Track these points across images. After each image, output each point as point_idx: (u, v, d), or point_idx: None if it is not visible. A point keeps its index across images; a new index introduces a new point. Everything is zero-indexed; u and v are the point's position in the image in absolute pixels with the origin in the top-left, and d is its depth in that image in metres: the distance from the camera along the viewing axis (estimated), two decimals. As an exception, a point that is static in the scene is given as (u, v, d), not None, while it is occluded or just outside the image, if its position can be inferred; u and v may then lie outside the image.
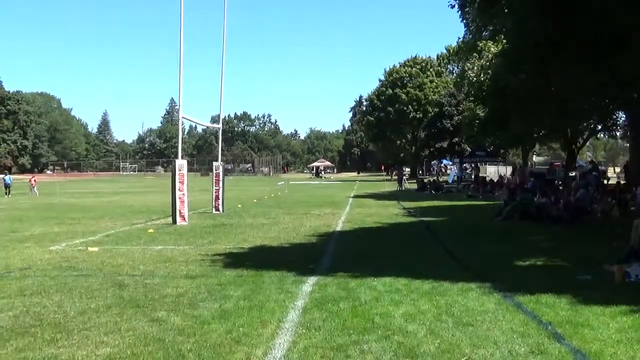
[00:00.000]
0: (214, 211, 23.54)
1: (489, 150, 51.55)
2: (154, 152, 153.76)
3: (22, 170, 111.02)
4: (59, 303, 7.95)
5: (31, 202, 33.34)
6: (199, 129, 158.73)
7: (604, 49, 15.82)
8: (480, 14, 20.61)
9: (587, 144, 60.64)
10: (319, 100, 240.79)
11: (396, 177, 52.91)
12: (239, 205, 27.34)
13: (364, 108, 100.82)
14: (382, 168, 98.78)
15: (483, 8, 17.94)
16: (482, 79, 36.38)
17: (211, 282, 9.31)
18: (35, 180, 44.55)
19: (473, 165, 55.02)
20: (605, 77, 18.25)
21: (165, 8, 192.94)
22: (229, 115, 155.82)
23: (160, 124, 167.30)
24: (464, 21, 35.54)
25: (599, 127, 41.95)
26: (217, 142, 30.30)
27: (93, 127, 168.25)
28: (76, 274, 10.17)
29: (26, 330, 6.70)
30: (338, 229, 17.70)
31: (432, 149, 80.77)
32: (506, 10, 18.03)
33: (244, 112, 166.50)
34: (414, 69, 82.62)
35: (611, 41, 15.43)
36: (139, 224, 19.38)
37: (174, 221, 18.92)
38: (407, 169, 77.33)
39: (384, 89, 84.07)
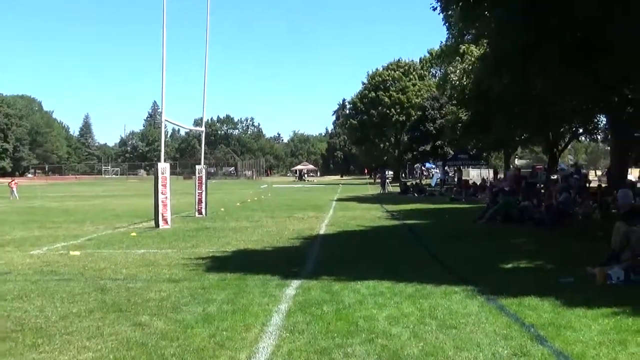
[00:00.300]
0: (197, 215, 23.46)
1: (471, 153, 51.81)
2: (137, 155, 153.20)
3: (3, 173, 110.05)
4: (40, 308, 7.88)
5: (11, 206, 33.05)
6: (182, 132, 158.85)
7: (586, 52, 15.96)
8: (462, 17, 20.67)
9: (569, 147, 61.17)
10: (302, 103, 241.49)
11: (379, 181, 53.03)
12: (222, 209, 27.27)
13: (347, 111, 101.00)
14: (366, 171, 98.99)
15: (465, 10, 17.99)
16: (465, 82, 36.53)
17: (194, 285, 9.27)
18: (15, 184, 44.11)
19: (456, 168, 55.31)
20: (587, 81, 18.40)
21: (148, 10, 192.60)
22: (212, 119, 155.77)
23: (142, 127, 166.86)
24: (447, 24, 35.72)
25: (581, 130, 42.28)
26: (200, 146, 30.23)
27: (75, 130, 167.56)
28: (58, 278, 10.08)
29: (7, 335, 6.63)
30: (322, 232, 17.69)
31: (415, 152, 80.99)
32: (488, 14, 18.11)
33: (227, 115, 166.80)
34: (396, 72, 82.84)
35: (593, 46, 15.56)
36: (121, 228, 19.26)
37: (157, 225, 18.82)
38: (390, 172, 77.51)
39: (366, 92, 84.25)
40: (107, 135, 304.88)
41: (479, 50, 32.83)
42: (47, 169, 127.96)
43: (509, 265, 11.08)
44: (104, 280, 9.85)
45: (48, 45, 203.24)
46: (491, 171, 53.91)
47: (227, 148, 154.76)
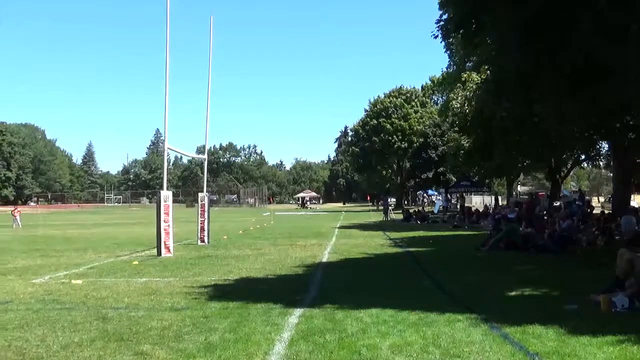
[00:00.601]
0: (199, 242, 23.41)
1: (474, 180, 51.81)
2: (139, 183, 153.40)
3: (5, 202, 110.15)
4: (41, 337, 7.84)
5: (14, 234, 33.03)
6: (185, 160, 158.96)
7: (586, 79, 16.02)
8: (463, 44, 20.85)
9: (571, 173, 61.16)
10: (305, 131, 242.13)
11: (382, 208, 52.98)
12: (225, 237, 27.22)
13: (349, 138, 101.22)
14: (368, 198, 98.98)
15: (466, 38, 18.13)
16: (467, 109, 36.67)
17: (196, 314, 9.22)
18: (18, 212, 44.15)
19: (458, 195, 55.26)
20: (587, 107, 18.46)
21: (151, 39, 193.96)
22: (214, 146, 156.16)
23: (145, 155, 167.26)
24: (448, 52, 35.95)
25: (583, 156, 42.34)
26: (203, 173, 30.26)
27: (78, 158, 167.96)
28: (59, 307, 10.04)
29: (8, 365, 6.60)
30: (324, 260, 17.63)
31: (417, 180, 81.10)
32: (489, 41, 18.25)
33: (229, 142, 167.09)
34: (398, 99, 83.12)
35: (593, 72, 15.63)
36: (123, 256, 19.22)
37: (159, 253, 18.77)
38: (393, 200, 77.46)
39: (368, 119, 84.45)
40: (109, 163, 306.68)
41: (480, 76, 33.00)
42: (49, 197, 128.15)
43: (513, 293, 11.02)
44: (106, 309, 9.81)
45: (51, 74, 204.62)
46: (499, 198, 53.90)
47: (230, 176, 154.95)
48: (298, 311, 9.32)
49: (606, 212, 28.40)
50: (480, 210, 42.17)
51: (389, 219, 46.60)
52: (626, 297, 9.20)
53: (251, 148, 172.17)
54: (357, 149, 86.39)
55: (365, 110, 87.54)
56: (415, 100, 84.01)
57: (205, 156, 27.45)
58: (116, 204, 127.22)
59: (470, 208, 45.44)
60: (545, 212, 29.36)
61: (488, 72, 26.56)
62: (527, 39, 15.22)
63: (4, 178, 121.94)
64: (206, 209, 24.15)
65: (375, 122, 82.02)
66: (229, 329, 8.13)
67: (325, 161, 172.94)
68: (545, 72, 16.49)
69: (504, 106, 23.27)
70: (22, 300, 10.82)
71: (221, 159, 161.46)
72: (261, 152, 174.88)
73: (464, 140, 43.94)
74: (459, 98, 37.90)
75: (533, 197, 37.28)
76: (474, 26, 16.74)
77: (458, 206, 51.36)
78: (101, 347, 7.28)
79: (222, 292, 11.40)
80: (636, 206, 30.17)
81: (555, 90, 17.27)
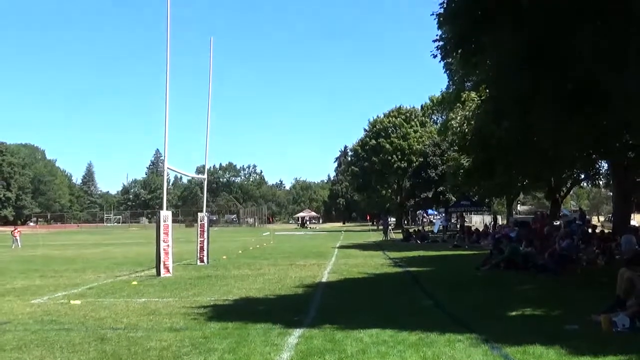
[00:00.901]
0: (198, 262, 23.35)
1: (473, 200, 51.83)
2: (139, 203, 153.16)
3: (5, 222, 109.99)
4: (39, 358, 7.81)
5: (13, 255, 32.96)
6: (184, 180, 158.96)
7: (584, 100, 16.06)
8: (462, 64, 20.93)
9: (571, 192, 61.18)
10: (304, 150, 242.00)
11: (381, 227, 52.90)
12: (224, 257, 27.17)
13: (349, 158, 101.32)
14: (368, 218, 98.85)
15: (465, 58, 18.21)
16: (466, 129, 36.72)
17: (195, 335, 9.19)
18: (19, 232, 44.11)
19: (458, 214, 55.25)
20: (586, 127, 18.49)
21: (151, 59, 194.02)
22: (214, 166, 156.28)
23: (145, 175, 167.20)
24: (447, 72, 36.10)
25: (582, 176, 42.35)
26: (202, 193, 30.25)
27: (77, 178, 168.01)
28: (58, 327, 10.00)
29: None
30: (324, 279, 17.59)
31: (417, 199, 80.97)
32: (488, 62, 18.32)
33: (229, 162, 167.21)
34: (398, 119, 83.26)
35: (592, 94, 15.67)
36: (122, 276, 19.17)
37: (158, 273, 18.73)
38: (393, 219, 77.36)
39: (368, 139, 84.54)
40: (109, 183, 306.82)
41: (479, 96, 33.10)
42: (49, 217, 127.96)
43: (513, 313, 10.99)
44: (105, 329, 9.77)
45: (52, 95, 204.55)
46: (497, 217, 53.93)
47: (230, 195, 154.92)
48: (297, 331, 9.28)
49: (606, 231, 28.31)
50: (480, 230, 42.09)
51: (388, 238, 46.50)
52: (627, 317, 9.17)
53: (251, 168, 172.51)
54: (356, 169, 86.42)
55: (365, 130, 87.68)
56: (415, 119, 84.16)
57: (205, 176, 27.49)
58: (115, 224, 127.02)
59: (470, 227, 45.38)
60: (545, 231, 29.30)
61: (487, 91, 26.63)
62: (526, 63, 15.29)
63: (3, 198, 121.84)
64: (206, 228, 24.12)
65: (375, 142, 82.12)
66: (228, 350, 8.10)
67: (325, 181, 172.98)
68: (544, 94, 16.54)
69: (503, 126, 23.32)
70: (21, 320, 10.78)
71: (221, 179, 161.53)
72: (261, 172, 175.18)
73: (464, 160, 44.00)
74: (459, 117, 37.99)
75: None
76: (472, 46, 16.82)
77: (458, 226, 51.32)
78: (99, 368, 7.24)
79: (221, 313, 11.37)
80: (636, 225, 30.15)
81: (553, 111, 17.31)
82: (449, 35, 17.45)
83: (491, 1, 14.48)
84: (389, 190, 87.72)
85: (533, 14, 14.09)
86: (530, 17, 14.23)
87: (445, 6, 16.46)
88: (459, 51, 17.76)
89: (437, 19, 17.76)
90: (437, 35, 18.01)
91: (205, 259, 23.55)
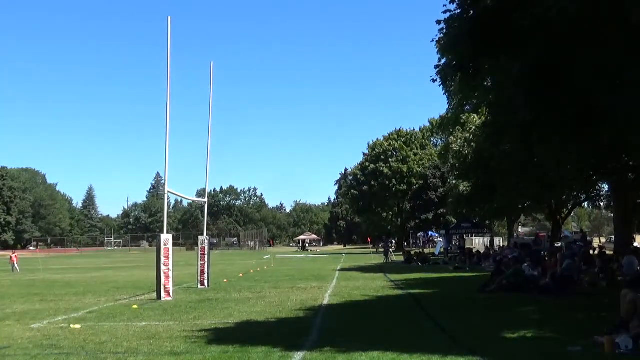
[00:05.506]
0: (199, 286, 23.28)
1: (474, 221, 51.80)
2: (139, 226, 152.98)
3: (5, 246, 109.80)
4: (39, 383, 7.77)
5: (13, 279, 32.86)
6: (185, 203, 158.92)
7: (585, 122, 16.13)
8: (462, 87, 21.04)
9: (572, 214, 61.18)
10: (305, 173, 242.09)
11: (382, 250, 52.75)
12: (225, 280, 27.09)
13: (349, 182, 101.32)
14: (369, 240, 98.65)
15: (464, 82, 18.30)
16: (466, 151, 36.83)
17: (196, 358, 9.15)
18: (16, 257, 43.80)
19: (459, 236, 55.17)
20: (587, 150, 18.57)
21: (151, 83, 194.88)
22: (214, 189, 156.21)
23: (145, 199, 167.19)
24: (447, 95, 36.27)
25: (583, 197, 42.40)
26: (203, 216, 30.23)
27: (78, 202, 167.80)
28: (58, 352, 9.95)
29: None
30: (325, 302, 17.53)
31: (417, 221, 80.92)
32: (487, 84, 18.45)
33: (230, 185, 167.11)
34: (397, 142, 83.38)
35: (592, 116, 15.74)
36: (123, 300, 19.10)
37: (159, 297, 18.67)
38: (393, 241, 77.22)
39: (367, 163, 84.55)
40: (110, 207, 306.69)
41: (479, 118, 33.25)
42: (49, 241, 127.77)
43: (515, 335, 10.94)
44: (105, 354, 9.72)
45: (53, 119, 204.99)
46: (498, 239, 53.82)
47: (230, 219, 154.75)
48: (299, 355, 9.24)
49: (607, 252, 28.28)
50: (482, 252, 41.99)
51: (389, 260, 46.38)
52: (630, 339, 9.13)
53: (251, 191, 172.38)
54: (356, 192, 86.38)
55: (364, 154, 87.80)
56: (415, 142, 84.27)
57: (206, 199, 27.50)
58: (116, 247, 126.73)
59: (471, 249, 45.29)
60: (546, 253, 29.30)
61: (487, 113, 26.77)
62: (527, 87, 15.37)
63: (4, 222, 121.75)
64: (206, 252, 24.07)
65: (374, 166, 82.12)
66: (229, 374, 8.05)
67: (326, 203, 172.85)
68: (544, 117, 16.61)
69: (503, 149, 23.42)
70: (20, 345, 10.74)
71: (221, 202, 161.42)
72: (261, 195, 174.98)
73: (464, 186, 44.04)
74: (459, 140, 38.11)
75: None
76: (471, 71, 16.90)
77: (459, 248, 51.22)
78: (99, 393, 7.20)
79: (222, 336, 11.32)
80: (638, 246, 30.12)
81: (554, 134, 17.38)
82: (449, 62, 17.53)
83: (491, 27, 14.57)
84: (390, 213, 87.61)
85: (533, 39, 14.19)
86: (531, 42, 14.33)
87: (445, 32, 16.54)
88: (458, 75, 17.86)
89: (437, 46, 17.91)
90: (437, 62, 18.10)
91: (206, 282, 23.48)
